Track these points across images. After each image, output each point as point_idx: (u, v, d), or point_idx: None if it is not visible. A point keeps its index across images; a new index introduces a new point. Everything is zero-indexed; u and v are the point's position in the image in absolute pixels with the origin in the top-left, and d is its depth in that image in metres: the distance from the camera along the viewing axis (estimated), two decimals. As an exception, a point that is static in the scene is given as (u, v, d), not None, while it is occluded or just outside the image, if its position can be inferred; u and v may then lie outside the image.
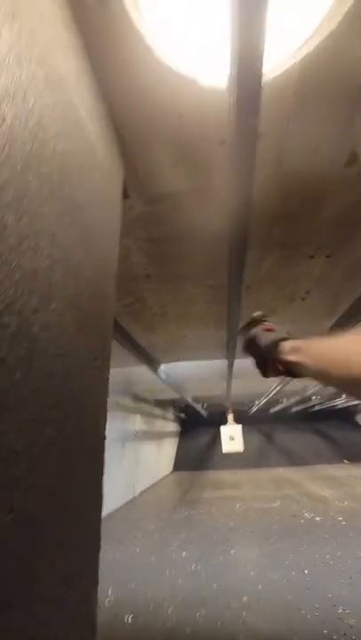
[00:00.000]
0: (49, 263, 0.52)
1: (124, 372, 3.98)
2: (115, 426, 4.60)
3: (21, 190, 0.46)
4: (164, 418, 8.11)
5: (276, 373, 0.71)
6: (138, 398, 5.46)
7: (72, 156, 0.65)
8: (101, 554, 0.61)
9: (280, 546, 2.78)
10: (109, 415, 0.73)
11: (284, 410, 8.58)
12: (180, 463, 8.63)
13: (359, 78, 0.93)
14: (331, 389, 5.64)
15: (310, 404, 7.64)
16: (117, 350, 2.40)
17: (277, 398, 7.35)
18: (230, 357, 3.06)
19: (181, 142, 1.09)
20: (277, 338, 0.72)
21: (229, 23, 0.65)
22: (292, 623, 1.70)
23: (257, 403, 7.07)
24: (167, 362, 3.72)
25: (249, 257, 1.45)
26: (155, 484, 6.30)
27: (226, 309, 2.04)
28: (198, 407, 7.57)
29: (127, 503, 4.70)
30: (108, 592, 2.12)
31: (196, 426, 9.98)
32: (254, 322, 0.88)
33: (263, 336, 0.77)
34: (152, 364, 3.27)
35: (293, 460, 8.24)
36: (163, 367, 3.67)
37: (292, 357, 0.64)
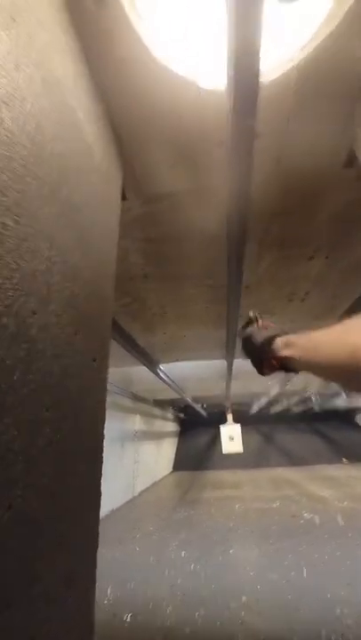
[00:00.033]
0: (47, 265, 0.52)
1: (124, 371, 3.99)
2: (114, 426, 4.60)
3: (20, 193, 0.47)
4: (164, 418, 8.12)
5: (272, 370, 0.72)
6: (137, 398, 5.46)
7: (70, 158, 0.66)
8: (101, 553, 0.62)
9: (279, 546, 2.78)
10: (108, 415, 0.74)
11: (284, 410, 8.58)
12: (180, 463, 8.63)
13: (359, 78, 0.93)
14: (331, 389, 5.65)
15: (310, 404, 7.64)
16: (116, 350, 2.40)
17: (277, 398, 7.35)
18: (230, 357, 3.06)
19: (179, 143, 1.10)
20: (271, 335, 0.73)
21: (226, 25, 0.66)
22: (291, 623, 1.71)
23: (257, 403, 7.07)
24: (166, 362, 3.73)
25: (248, 256, 1.45)
26: (154, 484, 6.30)
27: (225, 309, 2.05)
28: (198, 407, 7.57)
29: (127, 503, 4.70)
30: (107, 591, 2.13)
31: (195, 426, 9.98)
32: (251, 321, 0.89)
33: (258, 334, 0.78)
34: (151, 364, 3.27)
35: (293, 460, 8.24)
36: (162, 367, 3.67)
37: (284, 352, 0.65)
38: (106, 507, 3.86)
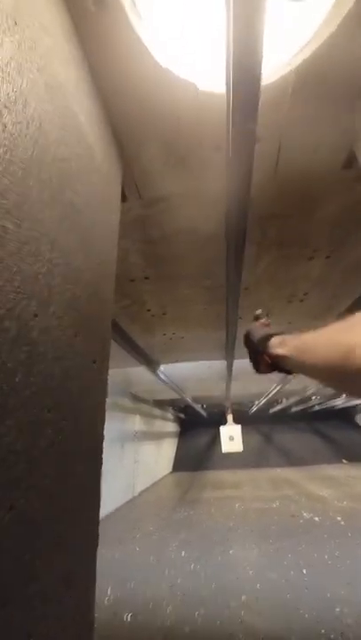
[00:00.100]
0: (49, 267, 0.52)
1: (124, 372, 4.00)
2: (114, 426, 4.61)
3: (22, 196, 0.47)
4: (164, 418, 8.12)
5: (267, 367, 0.72)
6: (137, 399, 5.46)
7: (71, 161, 0.66)
8: (101, 553, 0.62)
9: (279, 546, 2.79)
10: (109, 416, 0.74)
11: (284, 410, 8.60)
12: (180, 463, 8.64)
13: (358, 79, 0.94)
14: (330, 389, 5.65)
15: (310, 404, 7.65)
16: (116, 351, 2.41)
17: (277, 398, 7.37)
18: (229, 358, 3.07)
19: (179, 144, 1.10)
20: (269, 332, 0.73)
21: (226, 28, 0.66)
22: (290, 622, 1.71)
23: (256, 403, 7.08)
24: (166, 362, 3.73)
25: (246, 257, 1.46)
26: (154, 484, 6.31)
27: (224, 310, 2.05)
28: (198, 407, 7.58)
29: (127, 503, 4.70)
30: (107, 591, 2.13)
31: (195, 426, 9.99)
32: (257, 318, 0.91)
33: (257, 330, 0.79)
34: (151, 364, 3.28)
35: (292, 460, 8.25)
36: (162, 368, 3.68)
37: (278, 350, 0.65)
38: (106, 507, 3.87)
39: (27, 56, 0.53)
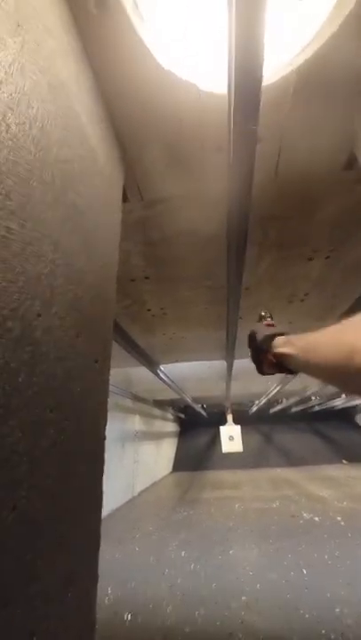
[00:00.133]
0: (51, 268, 0.53)
1: (124, 372, 4.00)
2: (114, 426, 4.61)
3: (26, 197, 0.47)
4: (164, 418, 8.12)
5: (270, 367, 0.72)
6: (137, 399, 5.46)
7: (74, 162, 0.67)
8: (101, 553, 0.62)
9: (279, 546, 2.79)
10: (109, 415, 0.74)
11: (284, 410, 8.60)
12: (180, 463, 8.63)
13: (359, 80, 0.94)
14: (330, 389, 5.65)
15: (310, 404, 7.65)
16: (117, 351, 2.41)
17: (277, 398, 7.37)
18: (229, 358, 3.07)
19: (181, 146, 1.10)
20: (273, 332, 0.73)
21: (228, 29, 0.66)
22: (290, 623, 1.71)
23: (256, 403, 7.08)
24: (166, 363, 3.74)
25: (247, 257, 1.46)
26: (154, 484, 6.31)
27: (224, 310, 2.05)
28: (198, 407, 7.58)
29: (126, 503, 4.70)
30: (107, 591, 2.13)
31: (195, 426, 9.99)
32: (261, 319, 0.91)
33: (261, 331, 0.79)
34: (151, 364, 3.28)
35: (292, 460, 8.25)
36: (162, 368, 3.68)
37: (282, 349, 0.65)
38: (105, 507, 3.86)
39: (30, 57, 0.53)
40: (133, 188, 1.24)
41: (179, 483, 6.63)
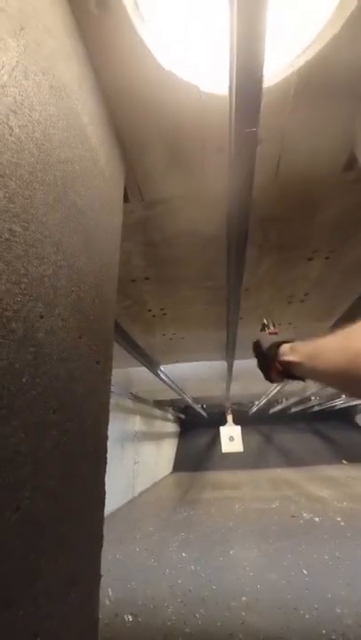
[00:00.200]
0: (54, 269, 0.53)
1: (125, 372, 4.00)
2: (114, 426, 4.61)
3: (28, 199, 0.48)
4: (164, 418, 8.12)
5: (278, 375, 0.73)
6: (138, 399, 5.46)
7: (75, 163, 0.67)
8: (101, 553, 0.62)
9: (279, 546, 2.79)
10: (109, 416, 0.75)
11: (284, 410, 8.60)
12: (180, 464, 8.63)
13: (360, 81, 0.94)
14: (329, 390, 5.66)
15: (310, 404, 7.66)
16: (118, 351, 2.41)
17: (277, 399, 7.38)
18: (230, 359, 3.07)
19: (182, 146, 1.11)
20: (279, 340, 0.74)
21: (229, 30, 0.67)
22: (290, 623, 1.71)
23: (256, 403, 7.08)
24: (166, 363, 3.74)
25: (248, 259, 1.46)
26: (154, 485, 6.30)
27: (225, 311, 2.06)
28: (198, 408, 7.58)
29: (127, 503, 4.70)
30: (108, 591, 2.13)
31: (195, 426, 9.99)
32: (264, 327, 0.92)
33: (266, 339, 0.79)
34: (151, 365, 3.28)
35: (292, 460, 8.25)
36: (162, 368, 3.68)
37: (289, 357, 0.65)
38: (106, 507, 3.85)
39: (32, 59, 0.53)
40: (134, 189, 1.24)
41: (179, 483, 6.63)
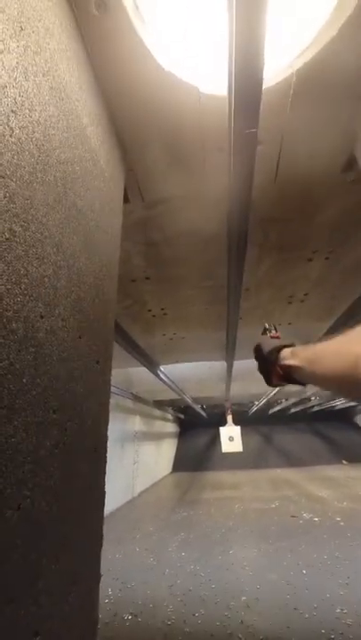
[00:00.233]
0: (54, 269, 0.53)
1: (124, 372, 4.00)
2: (114, 426, 4.60)
3: (29, 199, 0.48)
4: (164, 419, 8.12)
5: (279, 379, 0.73)
6: (137, 399, 5.47)
7: (75, 164, 0.67)
8: (101, 553, 0.63)
9: (279, 546, 2.79)
10: (109, 416, 0.75)
11: (283, 410, 8.60)
12: (180, 464, 8.63)
13: (359, 82, 0.94)
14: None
15: (309, 404, 7.66)
16: (118, 351, 2.41)
17: (276, 399, 7.38)
18: (229, 359, 3.07)
19: (182, 147, 1.11)
20: (280, 345, 0.74)
21: (228, 31, 0.67)
22: (290, 623, 1.72)
23: (256, 403, 7.08)
24: (167, 363, 3.74)
25: (248, 259, 1.46)
26: (154, 485, 6.31)
27: (225, 310, 2.06)
28: (198, 408, 7.58)
29: (127, 503, 4.70)
30: (107, 591, 2.14)
31: (195, 427, 9.99)
32: (265, 331, 0.92)
33: (267, 343, 0.79)
34: (152, 365, 3.28)
35: (292, 460, 8.25)
36: (162, 368, 3.68)
37: (289, 361, 0.66)
38: (105, 507, 3.85)
39: (32, 60, 0.53)
40: (134, 189, 1.25)
41: (179, 483, 6.63)
